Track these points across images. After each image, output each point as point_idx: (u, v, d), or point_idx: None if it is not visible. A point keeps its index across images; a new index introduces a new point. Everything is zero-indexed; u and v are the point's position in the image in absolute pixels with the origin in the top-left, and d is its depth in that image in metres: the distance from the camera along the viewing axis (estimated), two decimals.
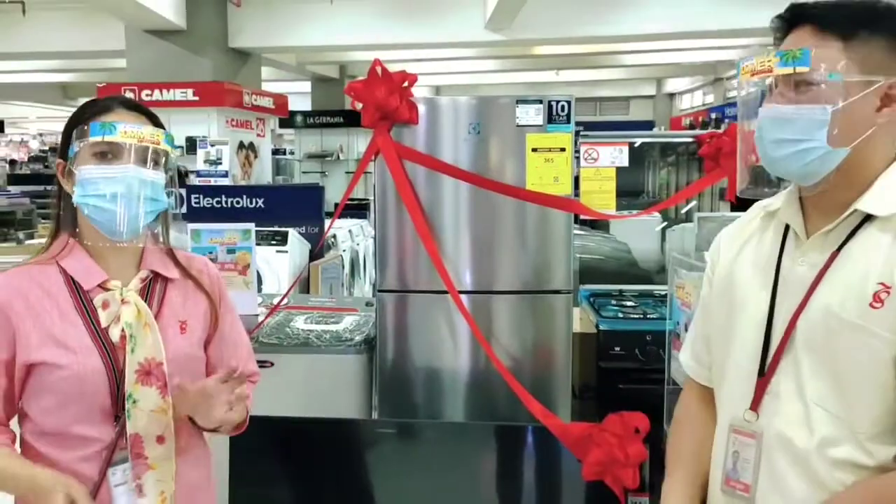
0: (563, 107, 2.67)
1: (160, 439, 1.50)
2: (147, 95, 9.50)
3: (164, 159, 1.52)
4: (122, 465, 1.48)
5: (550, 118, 2.67)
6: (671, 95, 21.74)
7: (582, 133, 3.33)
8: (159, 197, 1.50)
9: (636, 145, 3.86)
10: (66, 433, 1.47)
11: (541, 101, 2.67)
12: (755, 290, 1.30)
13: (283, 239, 4.84)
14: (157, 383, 1.49)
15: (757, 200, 1.39)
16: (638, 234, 5.18)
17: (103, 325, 1.48)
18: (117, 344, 1.47)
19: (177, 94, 9.51)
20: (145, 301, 1.53)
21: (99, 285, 1.51)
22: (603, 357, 2.93)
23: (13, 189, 12.27)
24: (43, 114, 23.33)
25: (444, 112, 2.76)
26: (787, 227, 1.30)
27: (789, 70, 1.18)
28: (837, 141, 1.18)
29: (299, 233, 5.02)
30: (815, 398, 1.22)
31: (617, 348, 2.89)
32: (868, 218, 1.20)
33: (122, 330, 1.47)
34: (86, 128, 1.47)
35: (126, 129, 1.46)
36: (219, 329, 1.65)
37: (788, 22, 1.24)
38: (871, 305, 1.15)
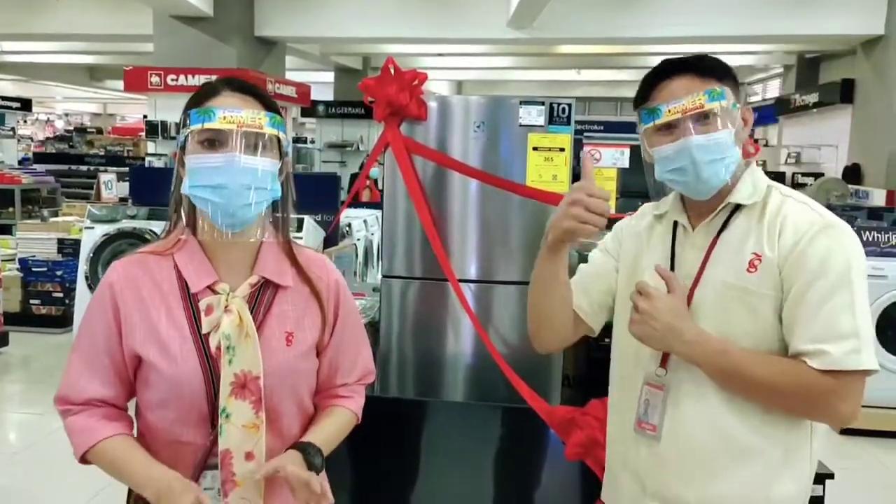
0: (563, 109, 2.80)
1: (249, 455, 1.42)
2: (172, 80, 9.69)
3: (275, 144, 1.42)
4: (213, 470, 1.43)
5: (551, 119, 2.80)
6: None
7: (586, 134, 3.47)
8: (268, 185, 1.39)
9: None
10: (166, 430, 1.44)
11: (542, 103, 2.81)
12: (657, 275, 1.58)
13: (298, 225, 4.99)
14: (252, 398, 1.40)
15: None
16: None
17: (204, 331, 1.41)
18: (215, 353, 1.41)
19: (201, 80, 9.57)
20: (252, 308, 1.45)
21: (208, 286, 1.44)
22: (595, 348, 3.06)
23: (38, 167, 12.50)
24: (69, 94, 23.62)
25: (454, 110, 2.89)
26: (675, 225, 1.62)
27: (716, 105, 1.48)
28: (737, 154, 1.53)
29: (315, 220, 5.17)
30: None
31: (607, 339, 3.01)
32: (738, 208, 1.54)
33: (220, 341, 1.40)
34: (188, 115, 1.39)
35: (225, 115, 1.36)
36: (335, 337, 1.57)
37: (668, 73, 1.53)
38: (747, 271, 1.48)
